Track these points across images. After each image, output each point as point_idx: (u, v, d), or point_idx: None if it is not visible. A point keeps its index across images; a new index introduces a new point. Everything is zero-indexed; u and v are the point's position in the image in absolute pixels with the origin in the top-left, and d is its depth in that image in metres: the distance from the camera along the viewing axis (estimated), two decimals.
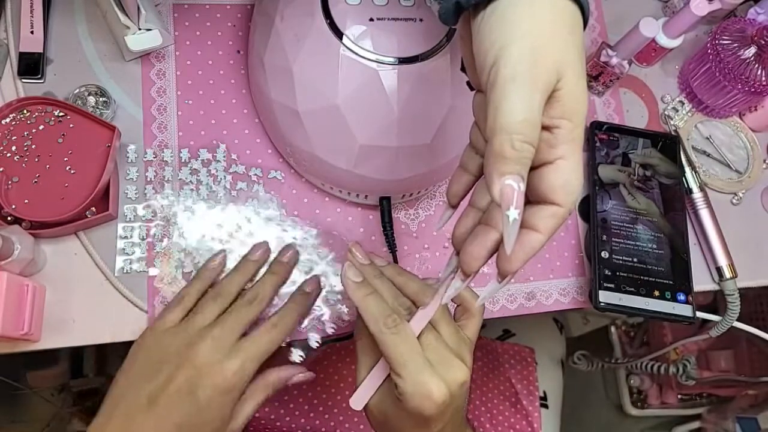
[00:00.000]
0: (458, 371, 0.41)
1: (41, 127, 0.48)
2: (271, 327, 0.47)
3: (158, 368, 0.43)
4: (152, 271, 0.50)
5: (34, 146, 0.48)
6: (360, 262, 0.47)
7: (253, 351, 0.45)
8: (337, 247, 0.55)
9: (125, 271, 0.50)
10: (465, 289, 0.46)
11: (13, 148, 0.47)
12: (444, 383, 0.40)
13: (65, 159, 0.48)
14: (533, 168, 0.31)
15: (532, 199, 0.32)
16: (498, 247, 0.33)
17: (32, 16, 0.52)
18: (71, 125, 0.49)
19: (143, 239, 0.51)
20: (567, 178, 0.31)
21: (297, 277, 0.53)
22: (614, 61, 0.61)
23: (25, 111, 0.49)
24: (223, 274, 0.51)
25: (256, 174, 0.54)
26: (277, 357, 0.67)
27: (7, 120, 0.48)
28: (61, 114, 0.49)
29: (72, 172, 0.48)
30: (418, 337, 0.41)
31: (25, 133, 0.48)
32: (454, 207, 0.38)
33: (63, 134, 0.49)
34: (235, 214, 0.53)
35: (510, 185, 0.29)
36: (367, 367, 0.44)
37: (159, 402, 0.42)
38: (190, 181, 0.53)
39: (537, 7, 0.30)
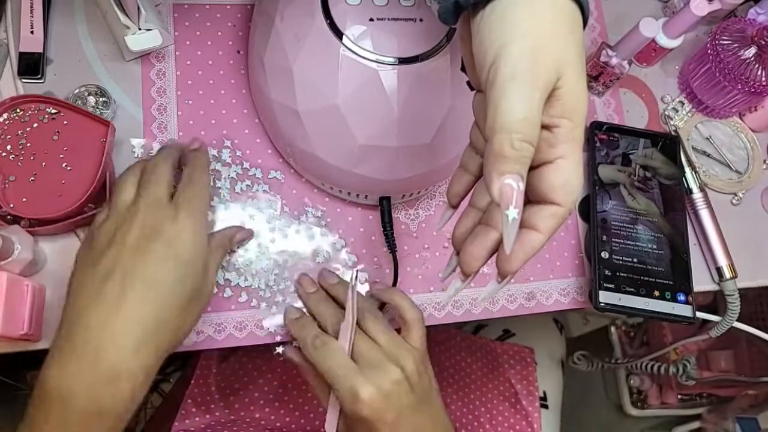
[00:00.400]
0: (390, 372, 0.44)
1: (35, 125, 0.48)
2: (188, 178, 0.46)
3: (102, 251, 0.41)
4: None
5: (29, 144, 0.48)
6: (307, 292, 0.51)
7: (187, 201, 0.44)
8: (346, 233, 0.55)
9: None
10: (402, 300, 0.51)
11: (8, 147, 0.47)
12: (371, 384, 0.43)
13: (61, 156, 0.48)
14: (533, 167, 0.31)
15: (532, 198, 0.32)
16: (498, 247, 0.33)
17: (32, 16, 0.52)
18: (65, 122, 0.49)
19: None
20: (567, 177, 0.31)
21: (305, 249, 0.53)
22: (614, 61, 0.61)
23: (18, 110, 0.48)
24: None
25: (256, 174, 0.54)
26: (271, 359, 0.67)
27: (1, 119, 0.48)
28: (55, 111, 0.49)
29: (68, 168, 0.48)
30: (354, 349, 0.45)
31: (20, 132, 0.48)
32: (455, 207, 0.38)
33: (57, 131, 0.48)
34: (235, 214, 0.53)
35: (509, 185, 0.29)
36: (326, 394, 0.48)
37: (114, 277, 0.40)
38: None
39: (537, 7, 0.30)
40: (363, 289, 0.55)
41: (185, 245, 0.42)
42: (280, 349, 0.52)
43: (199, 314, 0.45)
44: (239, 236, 0.51)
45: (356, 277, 0.48)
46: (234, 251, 0.52)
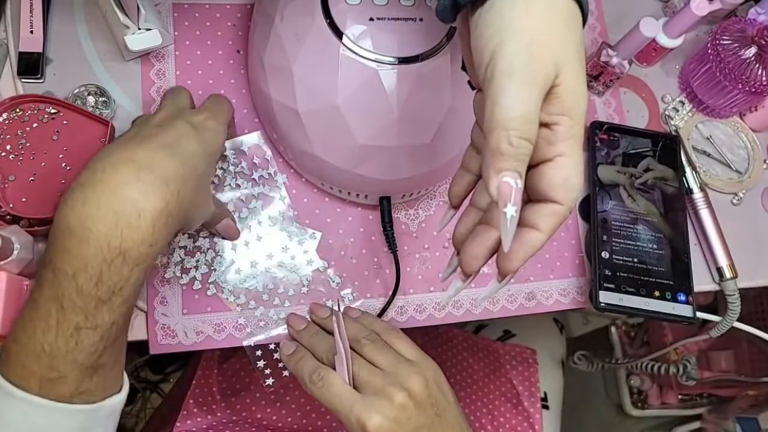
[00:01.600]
0: (395, 396, 0.43)
1: (35, 125, 0.48)
2: (210, 97, 0.50)
3: (122, 137, 0.43)
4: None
5: (28, 144, 0.48)
6: (297, 330, 0.51)
7: (209, 107, 0.47)
8: (334, 254, 0.55)
9: None
10: (374, 324, 0.50)
11: (8, 147, 0.47)
12: (376, 413, 0.42)
13: (60, 156, 0.48)
14: (533, 166, 0.31)
15: (532, 197, 0.32)
16: (498, 246, 0.33)
17: (32, 16, 0.52)
18: (65, 122, 0.49)
19: None
20: (566, 175, 0.31)
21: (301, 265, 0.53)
22: (614, 60, 0.61)
23: (17, 109, 0.48)
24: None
25: (260, 175, 0.54)
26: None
27: (1, 119, 0.48)
28: (54, 111, 0.49)
29: (68, 168, 0.48)
30: (356, 377, 0.45)
31: (19, 132, 0.48)
32: (456, 207, 0.38)
33: (57, 131, 0.48)
34: (235, 215, 0.53)
35: (507, 182, 0.28)
36: None
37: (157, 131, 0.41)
38: None
39: (534, 4, 0.30)
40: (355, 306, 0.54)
41: (207, 131, 0.44)
42: (270, 381, 0.51)
43: (202, 214, 0.45)
44: (226, 224, 0.50)
45: (339, 306, 0.48)
46: (214, 235, 0.52)
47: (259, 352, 0.51)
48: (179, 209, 0.39)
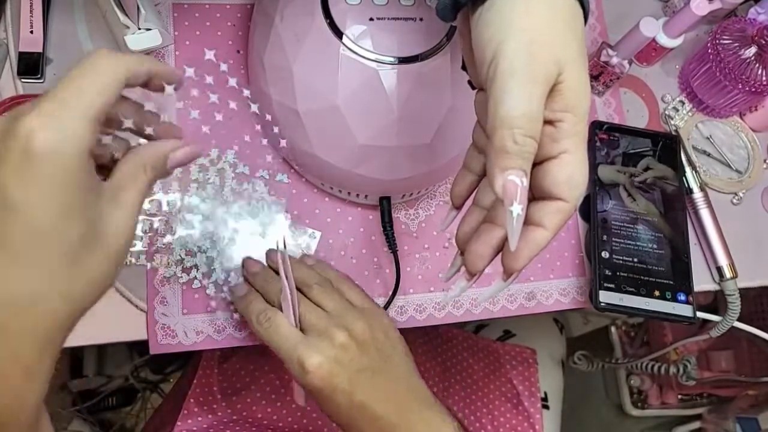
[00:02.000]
0: (335, 337, 0.43)
1: None
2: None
3: None
4: (152, 266, 0.50)
5: None
6: (251, 272, 0.50)
7: (73, 102, 0.28)
8: (334, 254, 0.55)
9: (125, 263, 0.50)
10: (326, 270, 0.50)
11: None
12: (317, 352, 0.42)
13: None
14: (537, 163, 0.31)
15: (537, 195, 0.32)
16: (503, 245, 0.33)
17: (32, 16, 0.52)
18: None
19: (145, 233, 0.51)
20: (571, 172, 0.31)
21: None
22: (614, 60, 0.61)
23: None
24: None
25: (262, 176, 0.54)
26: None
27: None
28: None
29: None
30: (302, 320, 0.45)
31: None
32: (458, 208, 0.38)
33: None
34: (235, 215, 0.53)
35: (512, 180, 0.29)
36: None
37: None
38: (197, 179, 0.53)
39: (534, 4, 0.30)
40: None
41: (47, 161, 0.26)
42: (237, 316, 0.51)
43: (108, 268, 0.30)
44: (180, 155, 0.34)
45: (284, 244, 0.46)
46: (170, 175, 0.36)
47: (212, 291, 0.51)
48: (42, 332, 0.28)
